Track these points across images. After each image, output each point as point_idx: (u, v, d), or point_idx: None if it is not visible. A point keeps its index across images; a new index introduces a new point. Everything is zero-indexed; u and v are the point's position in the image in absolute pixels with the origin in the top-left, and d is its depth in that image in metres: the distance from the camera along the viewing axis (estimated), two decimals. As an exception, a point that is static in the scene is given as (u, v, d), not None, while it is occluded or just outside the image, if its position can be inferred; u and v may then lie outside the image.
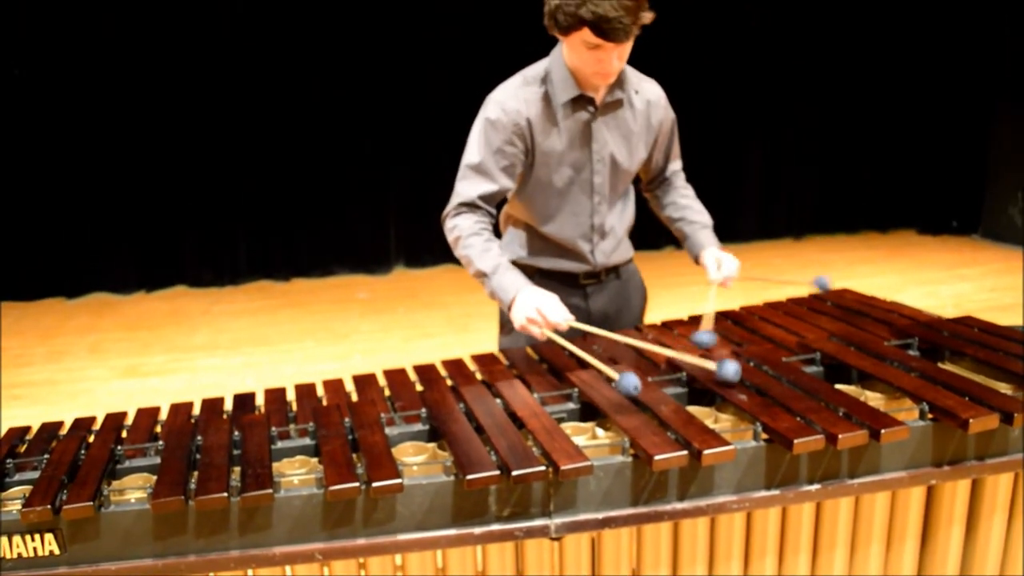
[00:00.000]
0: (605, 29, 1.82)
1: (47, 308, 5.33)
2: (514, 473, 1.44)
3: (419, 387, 1.97)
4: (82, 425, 1.75)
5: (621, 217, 2.24)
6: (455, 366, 2.07)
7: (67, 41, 5.15)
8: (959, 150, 6.12)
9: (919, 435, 1.64)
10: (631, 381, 1.68)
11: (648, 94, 2.16)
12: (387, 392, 1.95)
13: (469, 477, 1.43)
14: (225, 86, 5.42)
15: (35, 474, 1.56)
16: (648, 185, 2.40)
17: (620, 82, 2.06)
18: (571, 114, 2.05)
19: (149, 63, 5.29)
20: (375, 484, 1.41)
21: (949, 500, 1.71)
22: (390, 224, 5.98)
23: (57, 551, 1.43)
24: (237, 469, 1.53)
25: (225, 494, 1.41)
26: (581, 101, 2.04)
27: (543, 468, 1.46)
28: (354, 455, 1.55)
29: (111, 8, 5.18)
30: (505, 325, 2.30)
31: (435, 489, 1.48)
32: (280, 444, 1.64)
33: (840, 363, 1.89)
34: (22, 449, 1.70)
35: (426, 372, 2.04)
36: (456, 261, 6.66)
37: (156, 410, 1.83)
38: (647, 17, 1.87)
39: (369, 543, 1.48)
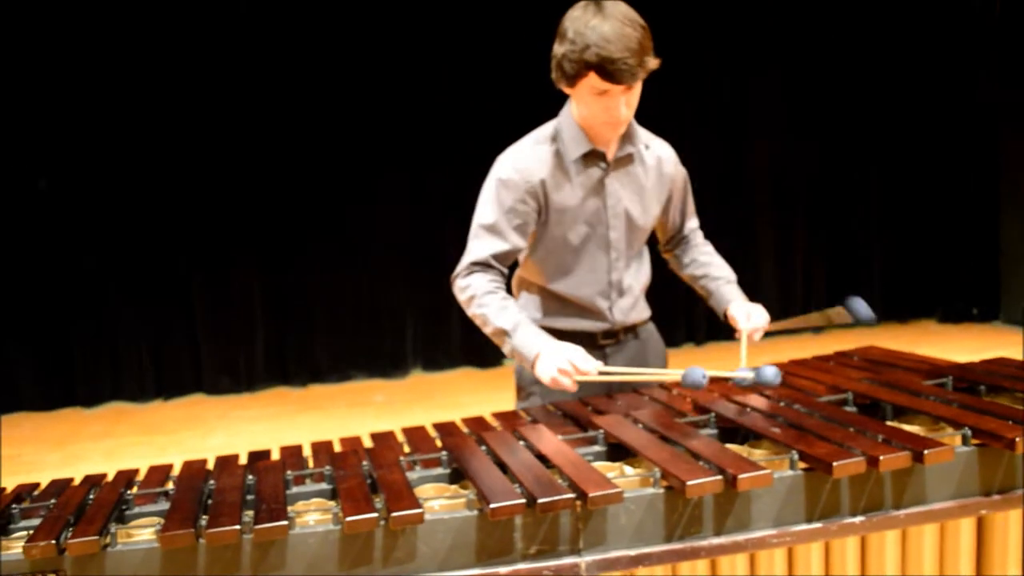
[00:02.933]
0: (611, 71, 1.84)
1: (63, 417, 5.31)
2: (540, 501, 1.37)
3: (439, 443, 1.91)
4: (93, 479, 1.69)
5: (638, 275, 2.22)
6: (476, 422, 2.01)
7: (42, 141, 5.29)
8: (972, 238, 6.14)
9: (964, 461, 1.56)
10: (698, 372, 1.64)
11: (658, 150, 2.18)
12: (407, 448, 1.89)
13: (493, 506, 1.36)
14: (238, 188, 5.53)
15: (33, 522, 1.50)
16: (667, 245, 2.39)
17: (630, 137, 2.09)
18: (584, 170, 2.06)
19: (157, 160, 5.42)
20: (394, 514, 1.35)
21: (1002, 533, 1.61)
22: (407, 328, 5.98)
23: (60, 595, 1.36)
24: (250, 512, 1.46)
25: (238, 527, 1.34)
26: (593, 157, 2.06)
27: (571, 496, 1.39)
28: (374, 496, 1.49)
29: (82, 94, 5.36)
30: (522, 390, 2.25)
31: (458, 525, 1.41)
32: (295, 489, 1.57)
33: (874, 401, 1.83)
34: (27, 503, 1.64)
35: (446, 427, 1.98)
36: (474, 362, 6.57)
37: (169, 466, 1.78)
38: (653, 63, 1.90)
39: (389, 584, 1.40)
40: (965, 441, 1.57)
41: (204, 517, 1.41)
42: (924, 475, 1.54)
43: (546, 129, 2.10)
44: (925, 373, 2.02)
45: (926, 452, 1.47)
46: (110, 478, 1.70)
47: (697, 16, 5.77)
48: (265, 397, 5.68)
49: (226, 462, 1.75)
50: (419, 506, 1.37)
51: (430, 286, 5.89)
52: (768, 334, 2.19)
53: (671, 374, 1.89)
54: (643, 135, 2.14)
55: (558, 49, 1.92)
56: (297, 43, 5.52)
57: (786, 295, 6.26)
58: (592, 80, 1.88)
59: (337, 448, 1.90)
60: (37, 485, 1.72)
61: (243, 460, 1.84)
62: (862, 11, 6.05)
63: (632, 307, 2.21)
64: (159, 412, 5.41)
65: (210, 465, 1.80)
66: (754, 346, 2.14)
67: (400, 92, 5.67)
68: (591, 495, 1.38)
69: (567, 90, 1.99)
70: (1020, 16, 5.68)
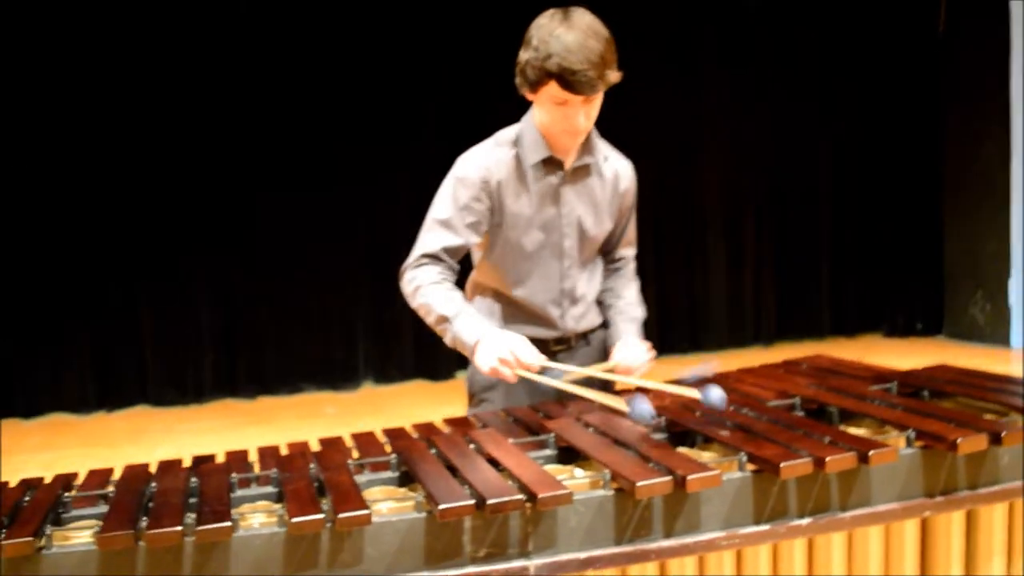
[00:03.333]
0: (571, 81, 1.85)
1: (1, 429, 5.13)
2: (489, 502, 1.35)
3: (388, 448, 1.88)
4: (29, 483, 1.63)
5: (590, 283, 2.22)
6: (427, 428, 1.99)
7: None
8: (917, 257, 6.30)
9: (908, 463, 1.59)
10: (645, 407, 1.63)
11: (616, 164, 2.19)
12: (356, 454, 1.86)
13: (442, 507, 1.34)
14: (186, 198, 5.44)
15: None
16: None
17: (589, 148, 2.09)
18: (541, 177, 2.06)
19: (103, 183, 5.32)
20: (341, 515, 1.32)
21: (945, 535, 1.64)
22: (358, 340, 5.92)
23: (-9, 601, 1.30)
24: (193, 515, 1.42)
25: (180, 528, 1.30)
26: (551, 164, 2.06)
27: (520, 497, 1.38)
28: (321, 498, 1.46)
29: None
30: (474, 396, 2.24)
31: (406, 527, 1.39)
32: (240, 492, 1.54)
33: (821, 406, 1.85)
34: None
35: (396, 433, 1.96)
36: (427, 375, 6.50)
37: (109, 470, 1.72)
38: (614, 76, 1.91)
39: (335, 589, 1.37)
40: (909, 443, 1.60)
41: (144, 519, 1.37)
42: (869, 477, 1.56)
43: (508, 132, 2.10)
44: (871, 379, 2.06)
45: (871, 453, 1.49)
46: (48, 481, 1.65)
47: (646, 30, 5.84)
48: (212, 409, 5.56)
49: (169, 466, 1.71)
50: (366, 507, 1.35)
51: (382, 298, 5.85)
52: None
53: (614, 368, 1.88)
54: (603, 147, 2.15)
55: (523, 55, 1.93)
56: (244, 47, 5.46)
57: (735, 310, 6.33)
58: (552, 89, 1.89)
59: (284, 453, 1.86)
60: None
61: (187, 465, 1.79)
62: (812, 30, 6.18)
63: (584, 315, 2.21)
64: (101, 424, 5.26)
65: (153, 469, 1.75)
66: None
67: (352, 103, 5.63)
68: (540, 496, 1.37)
69: (529, 96, 1.99)
70: (963, 36, 5.87)
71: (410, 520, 1.39)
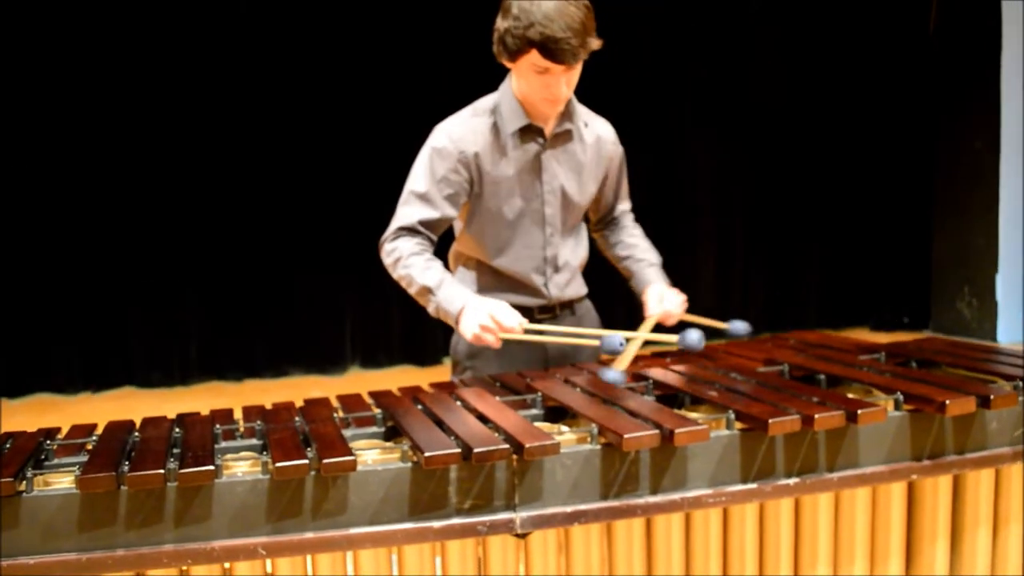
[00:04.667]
0: (553, 50, 1.84)
1: (-15, 409, 5.09)
2: (476, 451, 1.34)
3: (375, 408, 1.87)
4: (10, 435, 1.61)
5: (575, 251, 2.21)
6: (412, 390, 1.97)
7: None
8: (905, 251, 6.32)
9: (896, 425, 1.58)
10: (616, 339, 1.64)
11: (598, 129, 2.18)
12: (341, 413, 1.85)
13: (428, 454, 1.33)
14: (175, 180, 5.40)
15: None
16: (597, 224, 2.37)
17: (569, 114, 2.08)
18: (520, 145, 2.05)
19: (90, 164, 5.28)
20: (326, 461, 1.31)
21: (932, 499, 1.64)
22: (346, 324, 5.89)
23: (-32, 542, 1.29)
24: (176, 462, 1.41)
25: (161, 471, 1.29)
26: (530, 132, 2.04)
27: (506, 447, 1.37)
28: (306, 448, 1.45)
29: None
30: (458, 364, 2.22)
31: (391, 476, 1.38)
32: (224, 444, 1.52)
33: (809, 372, 1.85)
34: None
35: (382, 394, 1.94)
36: (414, 360, 6.43)
37: (92, 425, 1.70)
38: (595, 43, 1.90)
39: (318, 537, 1.36)
40: (897, 406, 1.60)
41: (126, 465, 1.35)
42: (857, 438, 1.56)
43: (485, 102, 2.09)
44: (859, 350, 2.06)
45: (860, 412, 1.49)
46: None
47: (639, 25, 5.83)
48: (198, 391, 5.52)
49: (152, 420, 1.68)
50: (351, 454, 1.34)
51: (370, 281, 5.82)
52: (681, 324, 2.15)
53: (597, 334, 1.88)
54: (583, 112, 2.14)
55: (501, 24, 1.91)
56: (228, 42, 5.43)
57: (724, 303, 6.34)
58: (533, 57, 1.87)
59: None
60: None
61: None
62: (801, 23, 6.18)
63: (568, 283, 2.20)
64: (87, 405, 5.21)
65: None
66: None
67: (334, 89, 5.58)
68: (527, 446, 1.36)
69: (508, 64, 1.98)
70: (954, 34, 5.89)
71: (395, 469, 1.38)
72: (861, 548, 1.63)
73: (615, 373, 1.78)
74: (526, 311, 2.11)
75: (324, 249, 5.72)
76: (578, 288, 2.23)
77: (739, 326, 2.14)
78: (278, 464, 1.30)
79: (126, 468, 1.32)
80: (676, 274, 2.33)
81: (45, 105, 5.17)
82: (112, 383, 5.43)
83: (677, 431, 1.41)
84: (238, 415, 1.81)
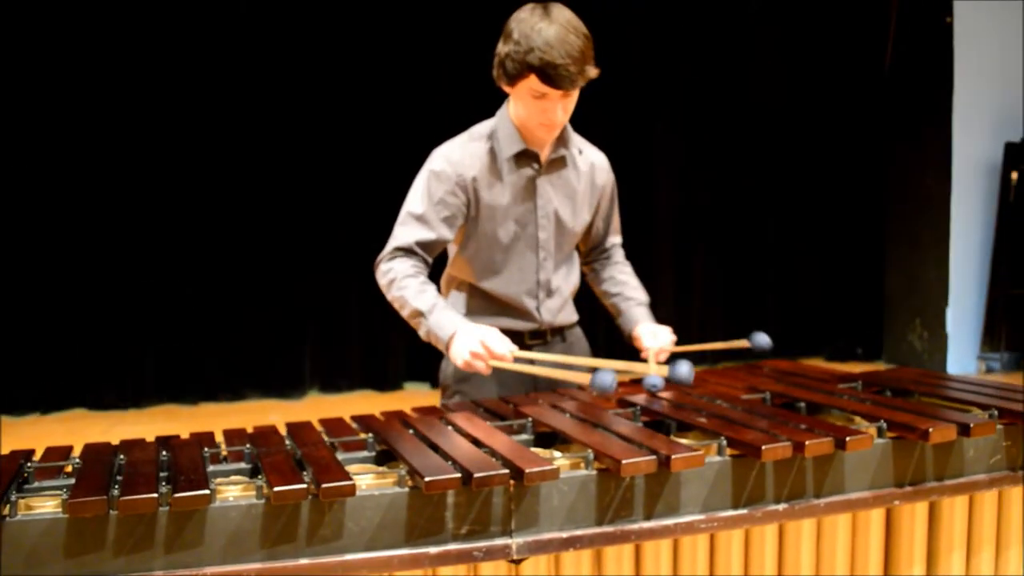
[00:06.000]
0: (552, 75, 1.87)
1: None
2: (476, 476, 1.34)
3: (361, 434, 1.85)
4: (-17, 457, 1.56)
5: (567, 278, 2.23)
6: (396, 415, 1.96)
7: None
8: (859, 283, 6.48)
9: (880, 452, 1.61)
10: (608, 377, 1.64)
11: (592, 157, 2.21)
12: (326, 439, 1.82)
13: (428, 479, 1.32)
14: (132, 199, 5.29)
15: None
16: (587, 257, 2.40)
17: (564, 141, 2.11)
18: (516, 169, 2.07)
19: (43, 180, 5.16)
20: (325, 485, 1.29)
21: (909, 525, 1.68)
22: (305, 348, 5.81)
23: (-53, 571, 1.23)
24: (167, 486, 1.37)
25: (155, 495, 1.26)
26: (526, 157, 2.07)
27: (506, 472, 1.36)
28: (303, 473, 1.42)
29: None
30: (447, 388, 2.22)
31: (388, 502, 1.36)
32: (212, 468, 1.49)
33: (791, 400, 1.88)
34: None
35: (366, 419, 1.92)
36: (374, 385, 6.35)
37: (68, 447, 1.65)
38: (592, 72, 1.94)
39: (313, 564, 1.33)
40: (881, 433, 1.63)
41: (115, 488, 1.31)
42: (843, 465, 1.59)
43: (482, 127, 2.11)
44: (835, 379, 2.10)
45: (848, 439, 1.52)
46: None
47: (602, 50, 5.92)
48: (152, 414, 5.39)
49: (134, 443, 1.64)
50: (350, 478, 1.32)
51: (330, 305, 5.77)
52: (673, 356, 2.19)
53: (588, 366, 1.89)
54: (577, 140, 2.17)
55: (502, 48, 1.94)
56: (205, 50, 5.39)
57: (681, 333, 6.37)
58: (532, 82, 1.90)
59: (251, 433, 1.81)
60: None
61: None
62: (758, 55, 6.32)
63: (560, 309, 2.21)
64: (36, 426, 5.05)
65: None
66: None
67: (295, 109, 5.55)
68: (527, 471, 1.36)
69: (507, 89, 2.00)
70: (908, 72, 6.09)
71: (392, 495, 1.36)
72: (841, 572, 1.66)
73: (608, 376, 1.74)
74: (517, 335, 2.12)
75: (284, 272, 5.65)
76: (569, 315, 2.24)
77: (762, 339, 2.14)
78: (276, 488, 1.28)
79: (116, 492, 1.28)
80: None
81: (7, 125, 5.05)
82: (62, 405, 5.27)
83: (674, 457, 1.42)
84: (219, 438, 1.78)
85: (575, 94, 1.96)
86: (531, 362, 1.93)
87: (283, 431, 1.80)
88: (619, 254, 2.39)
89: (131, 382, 5.41)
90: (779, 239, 6.57)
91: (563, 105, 1.95)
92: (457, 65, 5.65)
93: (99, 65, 5.17)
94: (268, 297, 5.64)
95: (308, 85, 5.53)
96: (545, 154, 2.09)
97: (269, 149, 5.51)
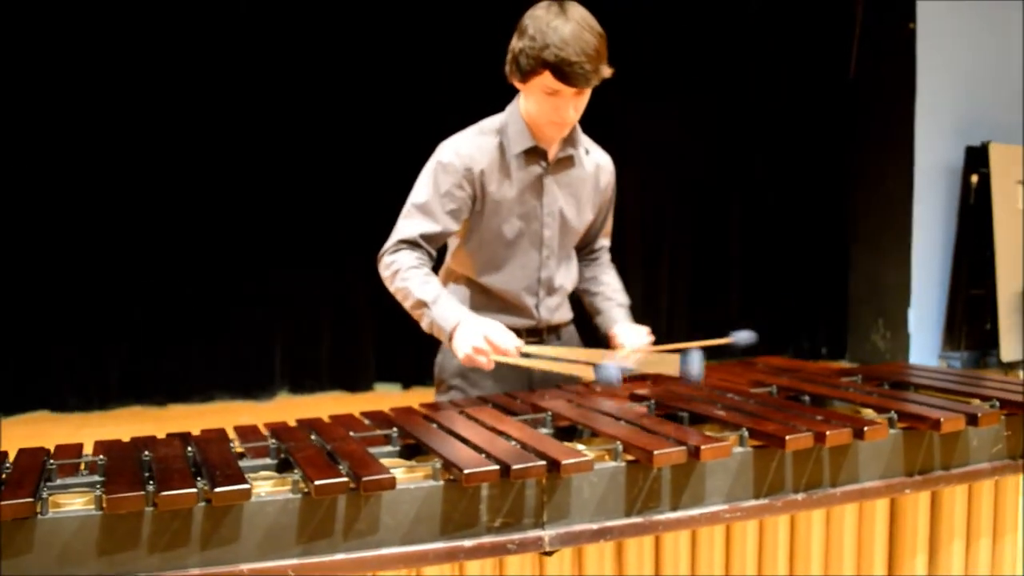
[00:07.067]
0: (567, 73, 1.87)
1: None
2: (514, 468, 1.34)
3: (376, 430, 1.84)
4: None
5: (567, 276, 2.24)
6: (406, 411, 1.95)
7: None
8: (822, 284, 6.62)
9: (892, 443, 1.66)
10: (613, 371, 1.64)
11: (598, 158, 2.23)
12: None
13: (467, 471, 1.32)
14: (97, 199, 5.17)
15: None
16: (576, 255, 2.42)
17: (572, 140, 2.12)
18: (524, 166, 2.07)
19: (8, 181, 5.04)
20: (366, 478, 1.29)
21: (912, 513, 1.72)
22: (275, 349, 5.74)
23: (-21, 569, 1.20)
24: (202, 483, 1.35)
25: (194, 490, 1.24)
26: (534, 154, 2.07)
27: (543, 463, 1.37)
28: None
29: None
30: (443, 383, 2.21)
31: (423, 495, 1.36)
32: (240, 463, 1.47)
33: (797, 392, 1.92)
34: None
35: (375, 415, 1.91)
36: (344, 386, 6.30)
37: (79, 445, 1.62)
38: (606, 71, 1.95)
39: (350, 559, 1.32)
40: (892, 424, 1.68)
41: (150, 484, 1.29)
42: (858, 455, 1.63)
43: (492, 121, 2.11)
44: (835, 373, 2.15)
45: (866, 429, 1.56)
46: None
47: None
48: (119, 416, 5.27)
49: (150, 439, 1.61)
50: (388, 471, 1.31)
51: (300, 306, 5.71)
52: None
53: (592, 358, 1.90)
54: (584, 141, 2.18)
55: (516, 44, 1.94)
56: (199, 50, 5.29)
57: (652, 330, 6.46)
58: (546, 79, 1.90)
59: (265, 432, 1.79)
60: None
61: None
62: (723, 61, 6.42)
63: (558, 307, 2.23)
64: (-3, 429, 4.93)
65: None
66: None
67: (276, 107, 5.50)
68: (564, 463, 1.37)
69: (519, 85, 2.00)
70: (871, 78, 6.24)
71: (428, 488, 1.36)
72: (849, 560, 1.70)
73: (614, 369, 1.75)
74: (514, 332, 2.12)
75: (253, 272, 5.57)
76: (565, 313, 2.25)
77: (744, 335, 2.16)
78: (318, 482, 1.27)
79: (151, 488, 1.26)
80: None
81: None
82: (24, 406, 5.13)
83: (703, 447, 1.44)
84: (232, 435, 1.75)
85: (587, 93, 1.97)
86: (535, 357, 1.93)
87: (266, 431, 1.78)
88: (605, 256, 2.40)
89: (96, 383, 5.28)
90: (744, 240, 6.68)
91: (575, 103, 1.96)
92: (446, 63, 5.65)
93: (80, 70, 5.05)
94: (237, 297, 5.56)
95: (290, 83, 5.48)
96: (553, 152, 2.10)
97: (237, 148, 5.43)
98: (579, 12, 1.92)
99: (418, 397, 5.94)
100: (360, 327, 5.81)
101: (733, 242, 6.69)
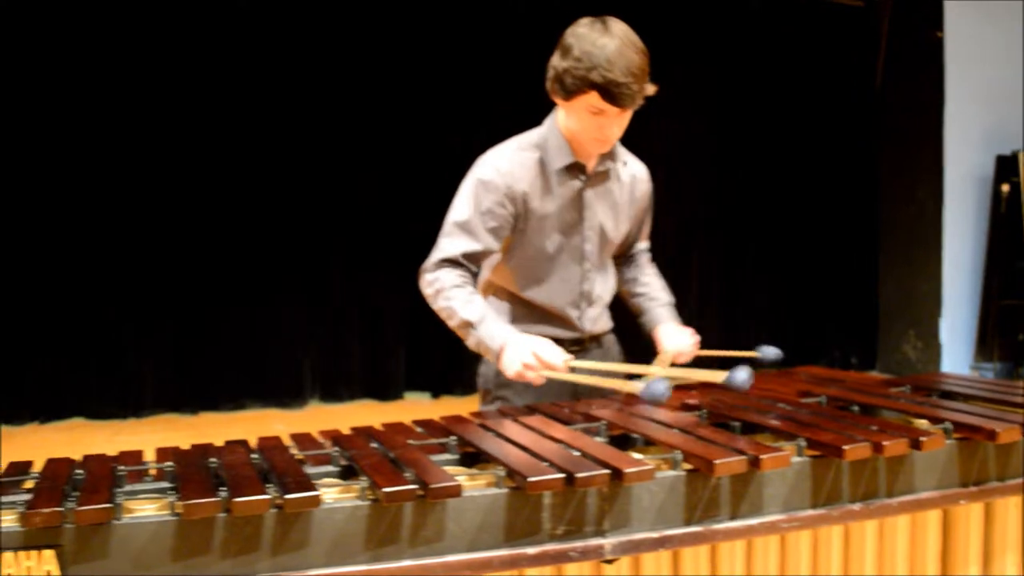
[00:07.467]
0: (614, 94, 1.87)
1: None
2: (579, 476, 1.36)
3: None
4: (62, 460, 1.54)
5: (606, 285, 2.26)
6: (455, 419, 1.96)
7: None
8: (853, 294, 6.60)
9: (947, 453, 1.66)
10: (661, 387, 1.65)
11: (634, 169, 2.24)
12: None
13: (531, 479, 1.34)
14: (131, 208, 5.24)
15: (21, 497, 1.35)
16: (615, 259, 2.42)
17: (611, 154, 2.13)
18: (565, 181, 2.08)
19: (40, 187, 5.10)
20: (433, 486, 1.30)
21: (965, 525, 1.72)
22: (305, 358, 5.78)
23: (56, 572, 1.22)
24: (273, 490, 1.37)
25: (267, 496, 1.26)
26: (574, 169, 2.08)
27: (607, 472, 1.38)
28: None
29: None
30: (488, 393, 2.22)
31: (488, 502, 1.37)
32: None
33: (846, 403, 1.92)
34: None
35: (425, 423, 1.92)
36: (375, 395, 6.33)
37: (139, 452, 1.64)
38: (650, 89, 1.95)
39: (416, 565, 1.34)
40: (948, 434, 1.67)
41: (222, 490, 1.31)
42: (914, 465, 1.63)
43: (531, 136, 2.11)
44: (882, 383, 2.15)
45: (923, 440, 1.56)
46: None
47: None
48: (152, 423, 5.33)
49: (209, 446, 1.63)
50: (453, 479, 1.33)
51: (330, 315, 5.76)
52: (691, 361, 2.22)
53: (639, 373, 1.91)
54: (622, 153, 2.20)
55: (560, 63, 1.93)
56: (210, 56, 5.36)
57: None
58: (591, 98, 1.90)
59: (319, 439, 1.81)
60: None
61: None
62: (752, 73, 6.42)
63: (599, 317, 2.24)
64: (35, 435, 4.97)
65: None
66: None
67: (295, 116, 5.55)
68: (627, 471, 1.38)
69: (561, 103, 2.00)
70: (900, 87, 6.22)
71: (492, 496, 1.37)
72: (902, 571, 1.69)
73: (661, 385, 1.74)
74: (557, 344, 2.13)
75: (285, 281, 5.63)
76: (606, 322, 2.27)
77: (771, 351, 2.18)
78: (386, 489, 1.28)
79: (224, 494, 1.28)
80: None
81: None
82: (60, 414, 5.20)
83: (763, 457, 1.44)
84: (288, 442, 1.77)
85: (631, 111, 1.98)
86: (579, 371, 1.94)
87: (283, 439, 1.79)
88: (645, 257, 2.42)
89: (130, 391, 5.35)
90: (775, 251, 6.66)
91: (619, 122, 1.97)
92: (472, 71, 5.68)
93: (75, 74, 5.12)
94: (269, 306, 5.62)
95: (324, 92, 5.53)
96: (592, 166, 2.10)
97: (267, 161, 5.49)
98: (622, 29, 1.91)
99: (448, 406, 6.01)
100: (390, 336, 5.85)
101: (763, 252, 6.67)
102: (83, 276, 5.20)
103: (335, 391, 5.86)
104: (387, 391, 5.86)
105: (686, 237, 6.50)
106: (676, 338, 2.18)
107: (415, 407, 5.77)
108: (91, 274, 5.22)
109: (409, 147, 5.67)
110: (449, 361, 5.82)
